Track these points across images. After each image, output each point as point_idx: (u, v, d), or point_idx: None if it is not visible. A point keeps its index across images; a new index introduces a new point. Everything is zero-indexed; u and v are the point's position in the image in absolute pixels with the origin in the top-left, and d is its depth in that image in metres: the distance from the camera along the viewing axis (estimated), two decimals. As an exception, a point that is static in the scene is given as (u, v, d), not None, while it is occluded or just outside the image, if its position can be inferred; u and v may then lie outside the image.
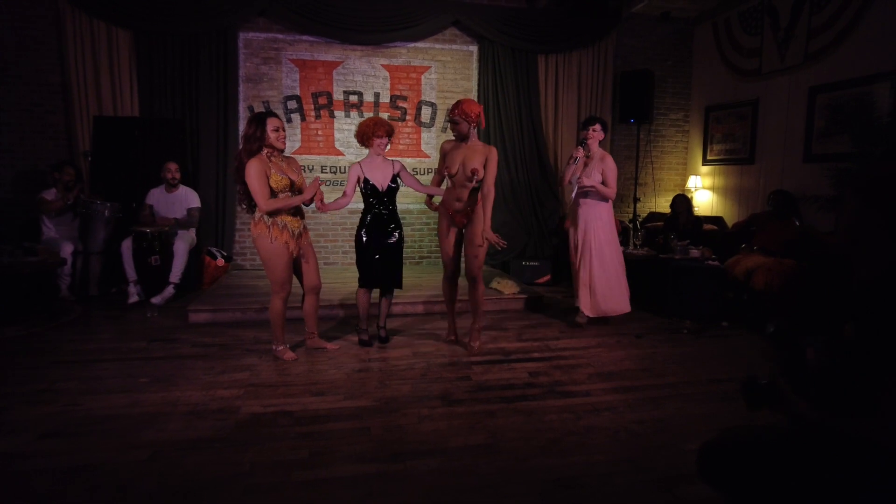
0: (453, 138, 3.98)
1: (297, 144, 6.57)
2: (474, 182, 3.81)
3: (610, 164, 4.56)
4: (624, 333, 4.54)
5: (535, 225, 7.03)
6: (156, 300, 5.16)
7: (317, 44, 6.53)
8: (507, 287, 5.54)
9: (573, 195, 4.76)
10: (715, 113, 7.13)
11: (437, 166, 4.21)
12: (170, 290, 5.26)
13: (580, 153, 4.54)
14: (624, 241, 5.97)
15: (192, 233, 5.65)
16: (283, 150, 3.66)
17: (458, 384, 3.45)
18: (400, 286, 4.20)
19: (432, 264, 6.90)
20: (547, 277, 6.45)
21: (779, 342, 1.91)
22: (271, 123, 3.53)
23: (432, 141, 6.90)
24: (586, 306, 4.68)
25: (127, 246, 5.18)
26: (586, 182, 4.53)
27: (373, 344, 4.19)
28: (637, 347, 4.24)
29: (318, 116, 6.62)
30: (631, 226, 6.53)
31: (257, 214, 3.61)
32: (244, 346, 4.12)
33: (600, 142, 4.68)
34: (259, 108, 6.42)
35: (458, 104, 3.82)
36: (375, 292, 4.23)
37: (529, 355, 4.01)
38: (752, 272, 4.66)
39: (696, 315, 4.85)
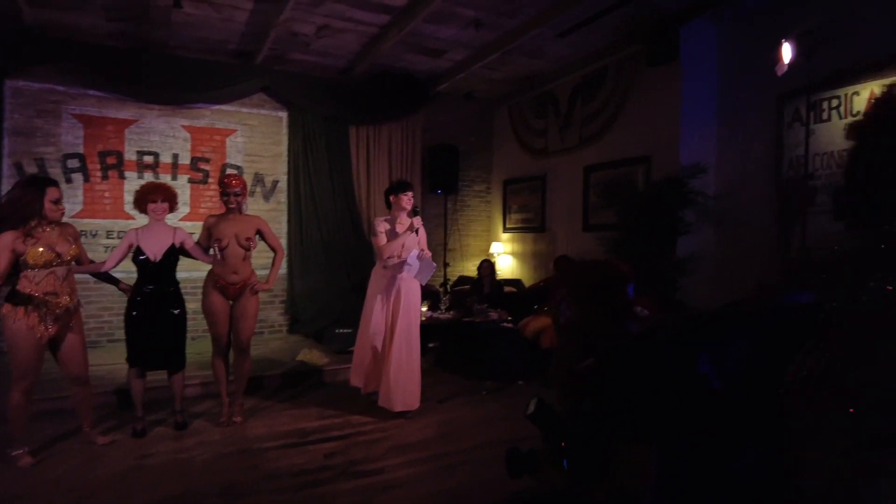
0: (227, 209, 3.92)
1: (79, 207, 5.87)
2: (249, 252, 3.90)
3: (423, 233, 4.22)
4: (428, 399, 4.59)
5: (350, 289, 6.96)
6: None
7: (106, 100, 5.99)
8: (317, 358, 5.37)
9: (392, 267, 4.12)
10: (512, 186, 7.84)
11: (198, 239, 3.97)
12: None
13: (420, 222, 4.12)
14: (434, 304, 6.17)
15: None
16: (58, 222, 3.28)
17: (244, 474, 3.19)
18: (183, 365, 3.85)
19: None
20: (360, 344, 6.37)
21: (537, 420, 2.07)
22: (51, 194, 3.16)
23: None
24: (392, 397, 4.06)
25: None
26: (428, 253, 4.15)
27: (146, 434, 3.73)
28: (438, 412, 4.32)
29: (105, 177, 6.00)
30: (441, 290, 6.79)
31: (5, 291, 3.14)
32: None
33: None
34: (31, 166, 5.65)
35: (237, 179, 3.91)
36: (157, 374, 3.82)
37: (328, 434, 3.86)
38: (540, 332, 5.07)
39: (495, 375, 5.10)
